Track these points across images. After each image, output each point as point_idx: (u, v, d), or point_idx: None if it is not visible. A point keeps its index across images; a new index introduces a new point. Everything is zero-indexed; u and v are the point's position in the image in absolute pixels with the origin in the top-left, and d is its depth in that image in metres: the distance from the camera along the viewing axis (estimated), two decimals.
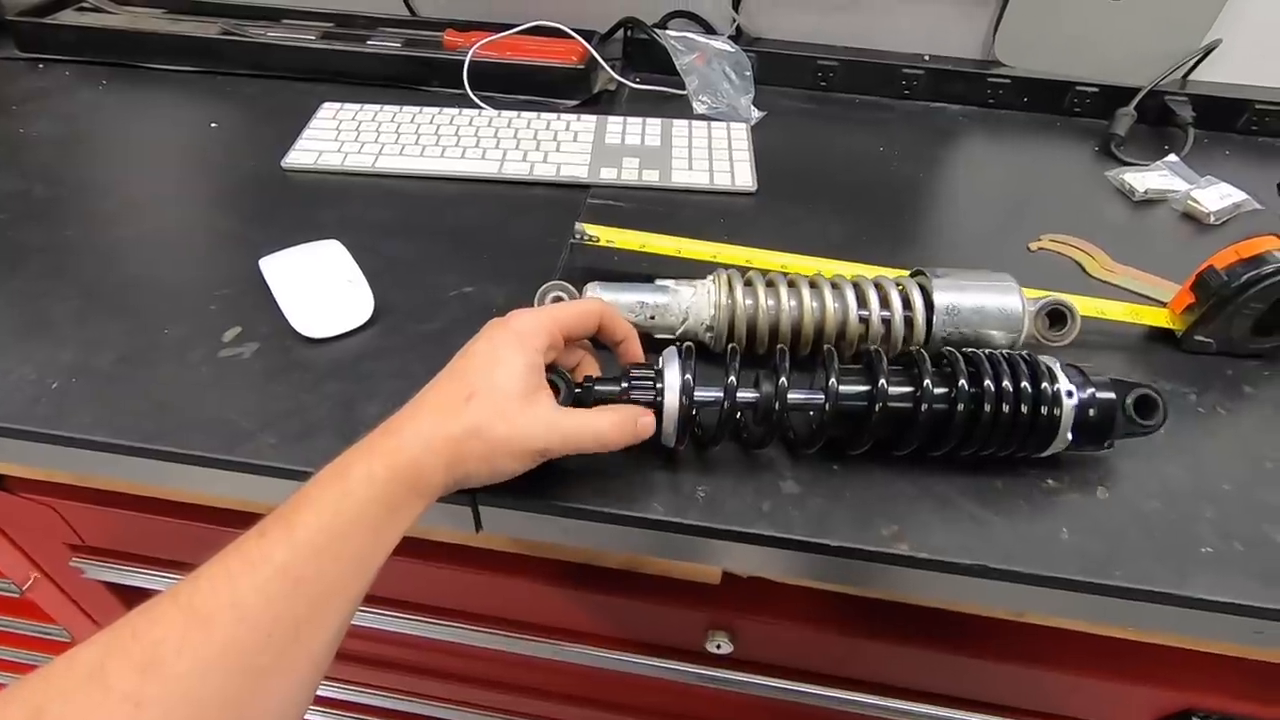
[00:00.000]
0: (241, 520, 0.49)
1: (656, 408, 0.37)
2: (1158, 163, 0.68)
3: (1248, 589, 0.35)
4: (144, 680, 0.26)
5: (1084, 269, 0.56)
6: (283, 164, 0.63)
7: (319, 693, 0.39)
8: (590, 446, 0.35)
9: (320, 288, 0.48)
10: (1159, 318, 0.50)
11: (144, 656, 0.26)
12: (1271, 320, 0.46)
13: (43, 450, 0.41)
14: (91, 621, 0.64)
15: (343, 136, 0.66)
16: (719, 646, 0.48)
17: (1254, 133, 0.76)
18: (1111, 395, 0.38)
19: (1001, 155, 0.73)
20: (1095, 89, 0.76)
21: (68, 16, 0.80)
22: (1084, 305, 0.48)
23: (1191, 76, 0.78)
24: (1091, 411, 0.38)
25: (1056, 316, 0.45)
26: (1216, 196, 0.63)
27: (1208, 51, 0.75)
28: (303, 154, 0.63)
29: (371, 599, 0.49)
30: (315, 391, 0.43)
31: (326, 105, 0.70)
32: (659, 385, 0.37)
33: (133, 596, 0.62)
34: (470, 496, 0.39)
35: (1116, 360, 0.49)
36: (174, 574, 0.55)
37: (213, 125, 0.69)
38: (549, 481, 0.39)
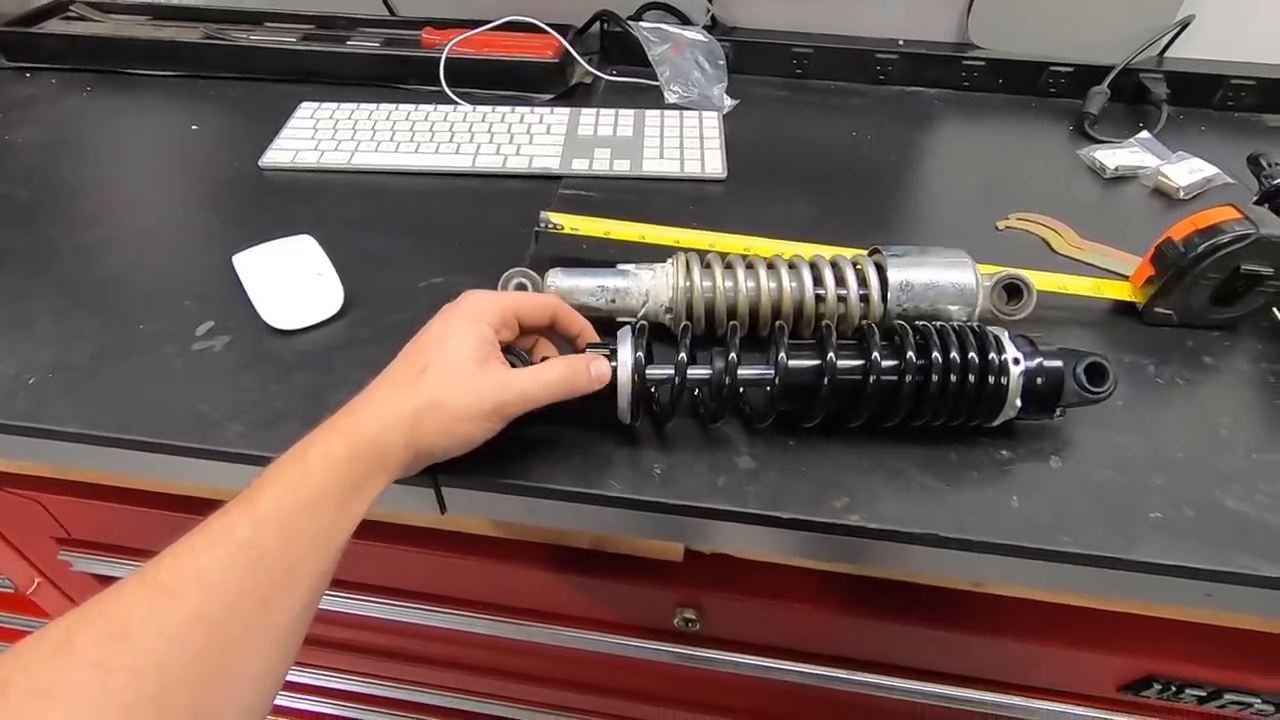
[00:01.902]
0: (218, 507, 0.50)
1: (610, 386, 0.38)
2: (1130, 140, 0.68)
3: (1196, 552, 0.36)
4: (111, 649, 0.26)
5: (1050, 246, 0.57)
6: (260, 163, 0.64)
7: (289, 678, 0.40)
8: (545, 396, 0.36)
9: (291, 281, 0.49)
10: (1121, 291, 0.50)
11: (111, 627, 0.27)
12: (1230, 290, 0.46)
13: (22, 443, 0.42)
14: None
15: (320, 135, 0.67)
16: (687, 624, 0.48)
17: (1229, 108, 0.76)
18: (1059, 364, 0.39)
19: (975, 137, 0.73)
20: (1070, 69, 0.76)
21: (54, 25, 0.81)
22: (1047, 281, 0.49)
23: (1168, 54, 0.78)
24: (1039, 380, 0.38)
25: (1013, 290, 0.45)
26: (1186, 171, 0.63)
27: (1181, 28, 0.75)
28: (280, 153, 0.65)
29: (340, 583, 0.50)
30: (284, 382, 0.44)
31: (305, 105, 0.71)
32: (613, 364, 0.38)
33: None
34: (432, 478, 0.40)
35: (1080, 334, 0.49)
36: None
37: (194, 127, 0.70)
38: (509, 460, 0.40)
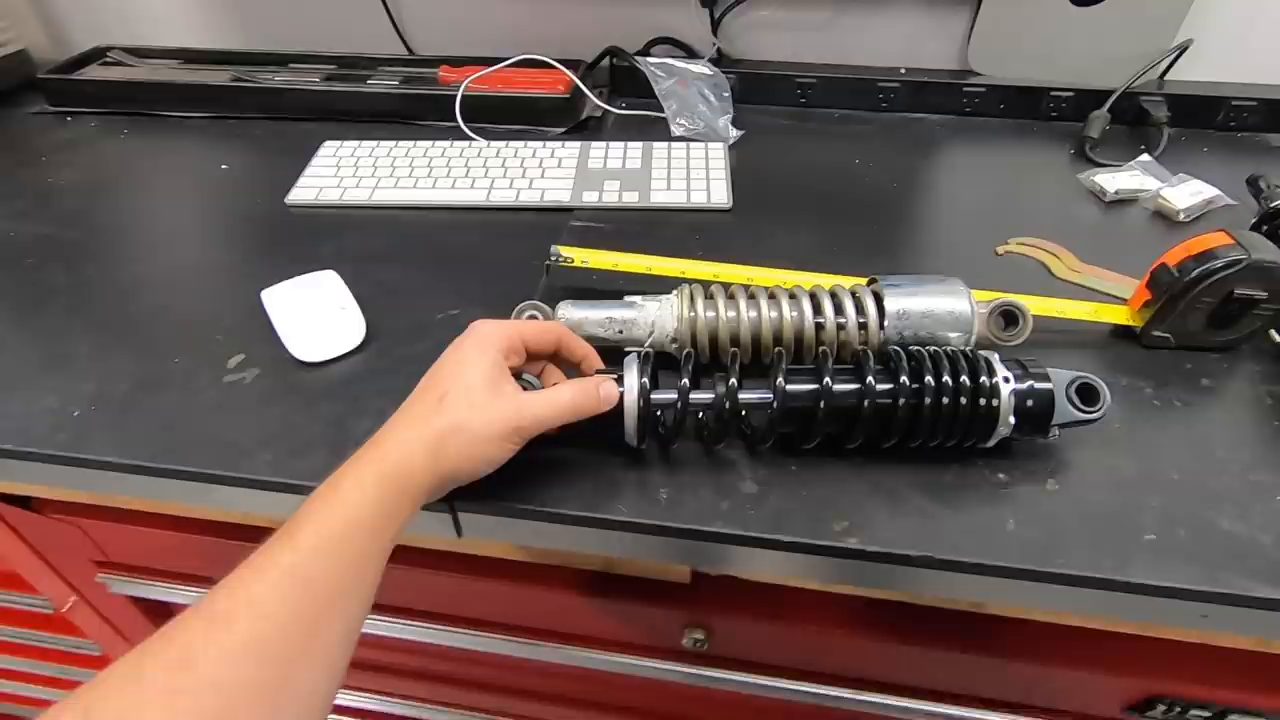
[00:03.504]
0: (252, 535, 0.53)
1: (617, 410, 0.40)
2: (1130, 163, 0.69)
3: (1189, 573, 0.37)
4: (176, 674, 0.29)
5: (1050, 270, 0.58)
6: (286, 200, 0.67)
7: None
8: (557, 417, 0.38)
9: (315, 315, 0.52)
10: (1119, 315, 0.51)
11: (175, 656, 0.29)
12: (1225, 314, 0.47)
13: (63, 472, 0.45)
14: (120, 636, 0.68)
15: (342, 172, 0.70)
16: (696, 643, 0.50)
17: (1232, 128, 0.76)
18: (1048, 385, 0.40)
19: (977, 162, 0.75)
20: (1070, 93, 0.78)
21: (92, 71, 0.86)
22: (1046, 306, 0.50)
23: (1169, 76, 0.79)
24: (1030, 401, 0.40)
25: (1010, 317, 0.47)
26: (1187, 194, 0.64)
27: (1180, 51, 0.76)
28: (304, 190, 0.68)
29: None
30: (310, 412, 0.46)
31: (328, 144, 0.74)
32: (620, 389, 0.40)
33: (157, 610, 0.66)
34: (449, 503, 0.41)
35: (1079, 357, 0.50)
36: (193, 587, 0.59)
37: (224, 167, 0.74)
38: (522, 485, 0.41)
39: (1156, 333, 0.49)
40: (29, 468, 0.45)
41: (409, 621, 0.55)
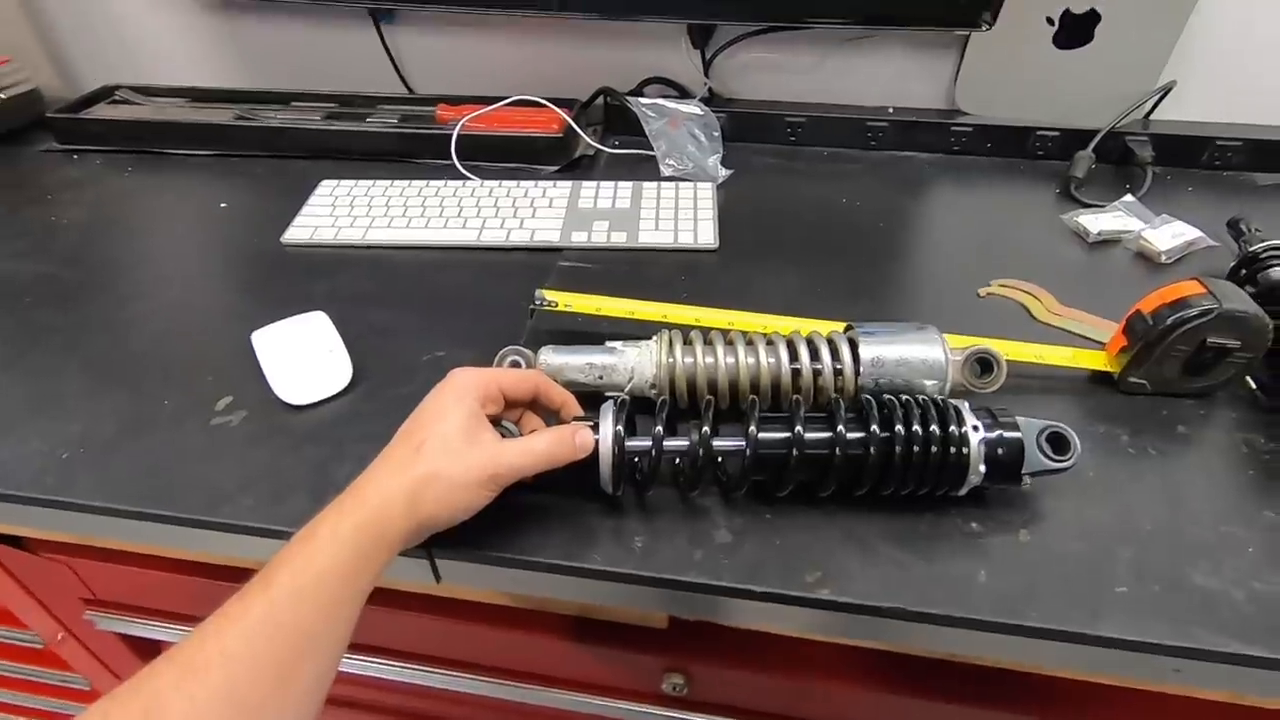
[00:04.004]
0: (236, 575, 0.53)
1: (593, 457, 0.40)
2: (1114, 203, 0.70)
3: (1160, 628, 0.37)
4: None
5: (1030, 313, 0.58)
6: (282, 240, 0.68)
7: None
8: (533, 464, 0.39)
9: (303, 357, 0.53)
10: (1097, 360, 0.51)
11: (143, 705, 0.29)
12: (1200, 362, 0.47)
13: (51, 514, 0.46)
14: (108, 671, 0.68)
15: (337, 212, 0.71)
16: (675, 688, 0.50)
17: (1217, 168, 0.77)
18: (1017, 434, 0.40)
19: (963, 201, 0.76)
20: (1056, 133, 0.79)
21: (100, 110, 0.88)
22: (1024, 351, 0.50)
23: (1154, 116, 0.80)
24: (1000, 450, 0.40)
25: (985, 364, 0.47)
26: (1169, 235, 0.64)
27: (1165, 92, 0.77)
28: (300, 230, 0.69)
29: None
30: (293, 455, 0.47)
31: (325, 183, 0.76)
32: (595, 437, 0.41)
33: (144, 647, 0.66)
34: (427, 550, 0.42)
35: (1056, 403, 0.50)
36: (178, 625, 0.59)
37: (222, 205, 0.75)
38: (500, 531, 0.42)
39: (1133, 379, 0.49)
40: (16, 510, 0.46)
41: (388, 661, 0.55)
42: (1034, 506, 0.43)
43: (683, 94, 0.87)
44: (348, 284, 0.63)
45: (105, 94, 0.91)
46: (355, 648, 0.57)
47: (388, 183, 0.75)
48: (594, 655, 0.51)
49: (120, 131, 0.85)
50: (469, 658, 0.55)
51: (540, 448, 0.39)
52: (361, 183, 0.75)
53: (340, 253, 0.68)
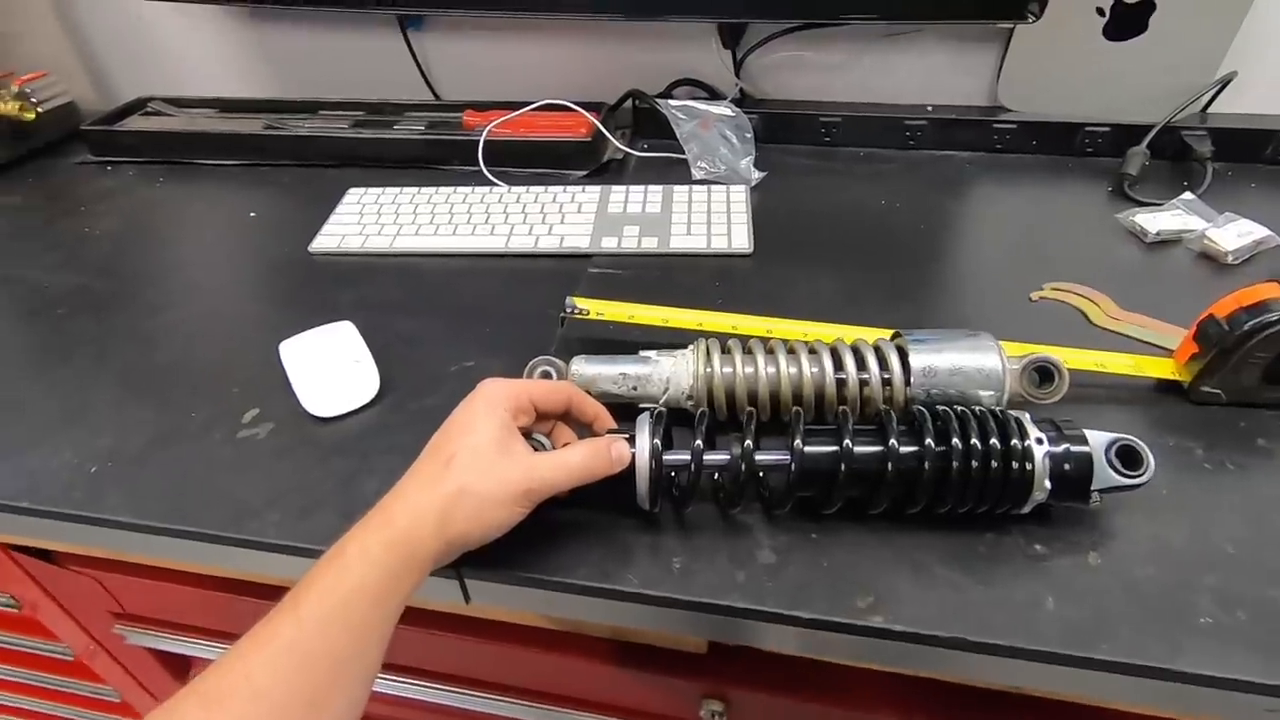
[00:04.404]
0: (265, 592, 0.52)
1: (629, 472, 0.38)
2: (1172, 201, 0.66)
3: (1251, 663, 0.33)
4: None
5: (1088, 317, 0.55)
6: (310, 249, 0.68)
7: None
8: (567, 479, 0.37)
9: (330, 369, 0.51)
10: (1164, 369, 0.48)
11: None
12: None
13: (79, 529, 0.45)
14: (138, 684, 0.68)
15: (365, 220, 0.70)
16: (713, 715, 0.47)
17: None
18: (1086, 448, 0.37)
19: (1008, 201, 0.72)
20: (1107, 128, 0.75)
21: (133, 122, 0.89)
22: (1084, 359, 0.47)
23: (1212, 109, 0.76)
24: (1067, 465, 0.37)
25: (1044, 373, 0.44)
26: (1234, 234, 0.61)
27: (1224, 84, 0.73)
28: (327, 239, 0.68)
29: None
30: (320, 469, 0.46)
31: (352, 191, 0.75)
32: (631, 450, 0.39)
33: (174, 661, 0.66)
34: (456, 570, 0.40)
35: (1120, 414, 0.47)
36: (205, 640, 0.59)
37: (251, 214, 0.75)
38: (531, 549, 0.40)
39: (1206, 388, 0.46)
40: (46, 524, 0.45)
41: (416, 681, 0.53)
42: (1102, 526, 0.40)
43: (713, 95, 0.85)
44: (375, 293, 0.62)
45: (138, 106, 0.92)
46: (382, 666, 0.56)
47: (415, 190, 0.74)
48: (630, 679, 0.49)
49: (152, 143, 0.86)
50: (500, 679, 0.53)
51: (575, 461, 0.38)
52: (389, 190, 0.74)
53: (367, 261, 0.67)
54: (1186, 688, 0.34)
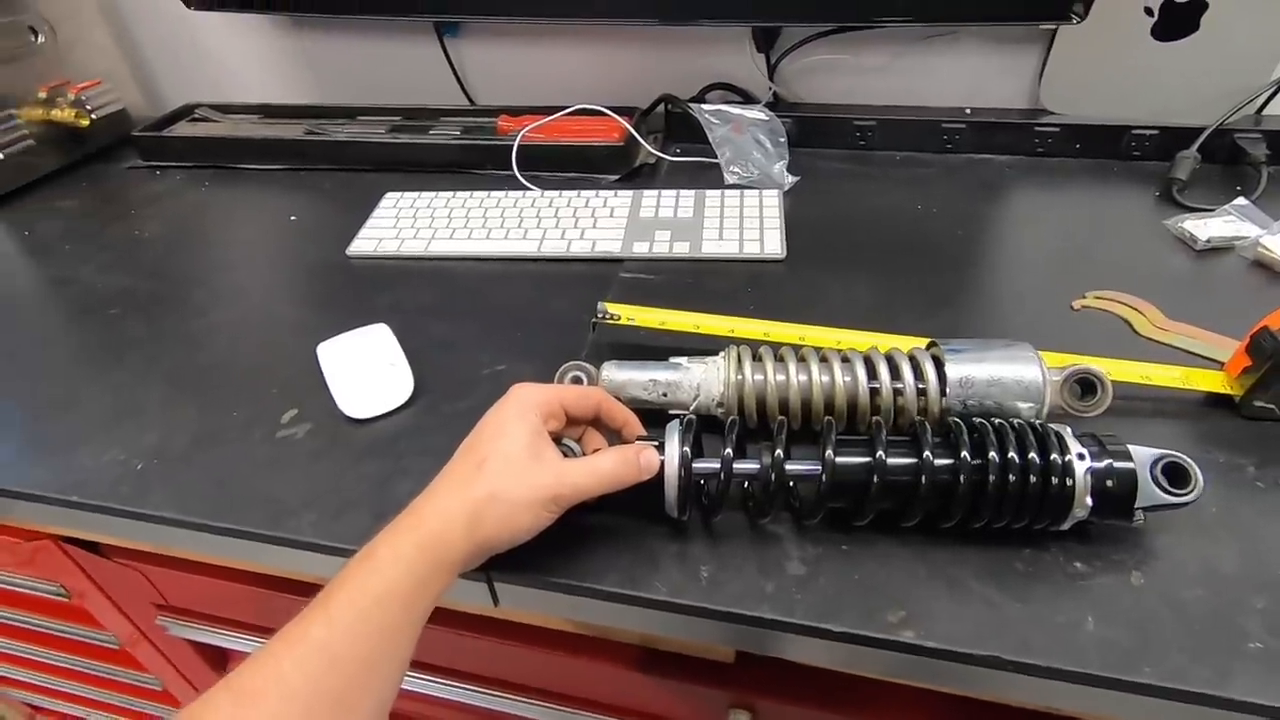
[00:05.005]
0: (300, 588, 0.53)
1: (658, 479, 0.38)
2: (1224, 207, 0.64)
3: None
4: None
5: (1133, 327, 0.53)
6: (347, 252, 0.69)
7: None
8: (597, 486, 0.37)
9: (366, 371, 0.52)
10: (1214, 381, 0.46)
11: None
12: None
13: (125, 524, 0.46)
14: (177, 673, 0.70)
15: (400, 223, 0.72)
16: None
17: None
18: (1130, 464, 0.36)
19: (1050, 206, 0.71)
20: (1154, 131, 0.73)
21: (180, 128, 0.92)
22: (1129, 371, 0.46)
23: (1267, 111, 0.74)
24: (1109, 481, 0.36)
25: (1087, 385, 0.43)
26: None
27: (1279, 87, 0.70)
28: (365, 242, 0.70)
29: None
30: (355, 470, 0.47)
31: (389, 195, 0.76)
32: (660, 458, 0.39)
33: (213, 654, 0.68)
34: (485, 573, 0.41)
35: (1167, 428, 0.46)
36: (242, 634, 0.60)
37: (292, 218, 0.77)
38: (560, 555, 0.40)
39: (1259, 403, 0.44)
40: (94, 518, 0.47)
41: (443, 680, 0.54)
42: (1146, 545, 0.39)
43: (746, 99, 0.85)
44: (410, 296, 0.63)
45: (186, 112, 0.95)
46: (411, 664, 0.57)
47: (450, 194, 0.75)
48: (656, 686, 0.49)
49: (198, 148, 0.89)
50: (527, 681, 0.53)
51: (606, 468, 0.38)
52: (424, 194, 0.75)
53: (403, 264, 0.68)
54: (1234, 715, 0.33)
